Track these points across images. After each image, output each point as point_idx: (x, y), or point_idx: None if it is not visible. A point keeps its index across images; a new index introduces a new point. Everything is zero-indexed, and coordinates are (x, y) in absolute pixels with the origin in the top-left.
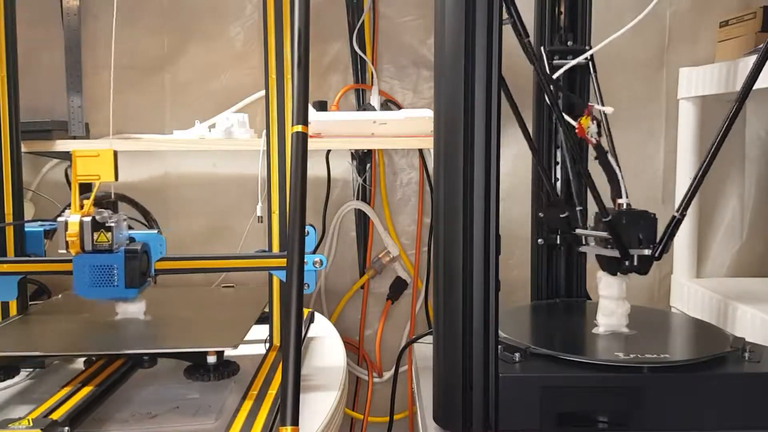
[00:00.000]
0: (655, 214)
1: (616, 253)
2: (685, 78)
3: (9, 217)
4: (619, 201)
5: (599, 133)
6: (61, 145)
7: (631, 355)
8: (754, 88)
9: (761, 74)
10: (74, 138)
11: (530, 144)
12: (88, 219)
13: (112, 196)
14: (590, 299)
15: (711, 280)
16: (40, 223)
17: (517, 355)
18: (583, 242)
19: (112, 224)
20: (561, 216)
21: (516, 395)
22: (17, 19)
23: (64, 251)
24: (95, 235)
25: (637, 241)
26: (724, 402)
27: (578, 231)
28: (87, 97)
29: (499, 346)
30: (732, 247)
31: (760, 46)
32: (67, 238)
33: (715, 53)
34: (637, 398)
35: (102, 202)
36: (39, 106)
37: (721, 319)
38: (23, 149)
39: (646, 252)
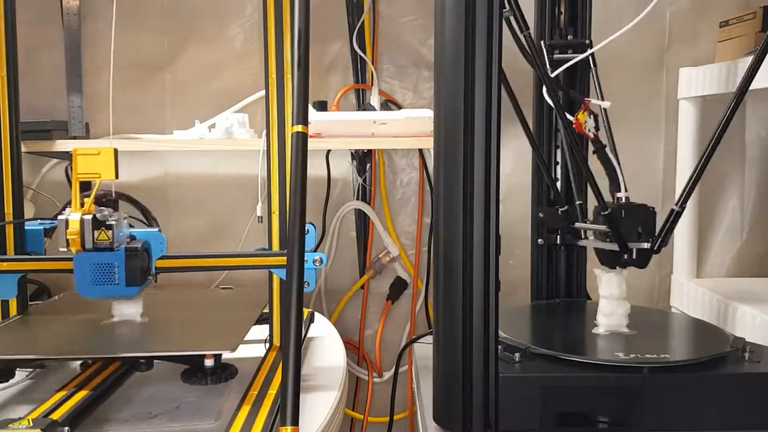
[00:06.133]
0: (653, 208)
1: (615, 247)
2: (685, 78)
3: (9, 217)
4: (618, 195)
5: (597, 128)
6: (61, 145)
7: (631, 355)
8: (754, 88)
9: (760, 74)
10: (74, 138)
11: (530, 138)
12: (88, 217)
13: (113, 194)
14: (590, 299)
15: (711, 280)
16: (40, 221)
17: (517, 355)
18: (583, 236)
19: (113, 222)
20: (561, 210)
21: (516, 395)
22: (17, 19)
23: (65, 249)
24: (96, 233)
25: (636, 234)
26: (724, 402)
27: (577, 225)
28: (87, 97)
29: (499, 346)
30: (732, 247)
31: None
32: (68, 236)
33: (715, 53)
34: (637, 398)
35: (103, 200)
36: (39, 106)
37: (721, 319)
38: (23, 149)
39: (645, 245)
